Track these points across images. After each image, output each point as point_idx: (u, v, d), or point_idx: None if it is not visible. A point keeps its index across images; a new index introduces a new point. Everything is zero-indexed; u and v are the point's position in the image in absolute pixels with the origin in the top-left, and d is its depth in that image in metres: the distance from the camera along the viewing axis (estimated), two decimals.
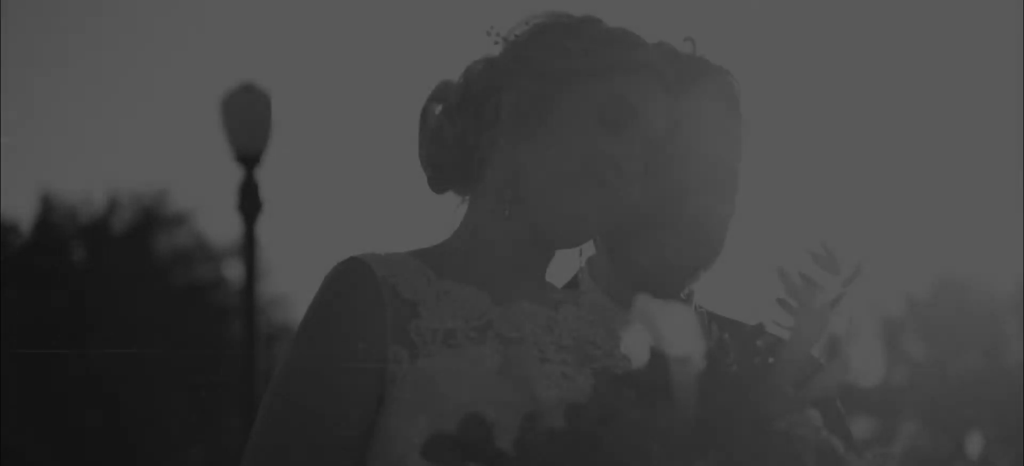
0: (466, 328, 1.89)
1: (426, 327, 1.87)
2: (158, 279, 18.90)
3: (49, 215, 19.10)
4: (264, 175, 7.67)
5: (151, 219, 19.28)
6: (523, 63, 1.97)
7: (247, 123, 7.55)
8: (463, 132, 2.00)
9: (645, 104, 1.96)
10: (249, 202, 7.78)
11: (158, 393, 17.57)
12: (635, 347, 1.62)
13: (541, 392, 1.85)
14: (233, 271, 20.01)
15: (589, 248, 2.11)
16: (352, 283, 1.89)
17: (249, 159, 7.78)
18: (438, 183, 2.06)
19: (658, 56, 2.00)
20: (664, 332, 1.50)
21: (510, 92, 1.97)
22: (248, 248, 7.55)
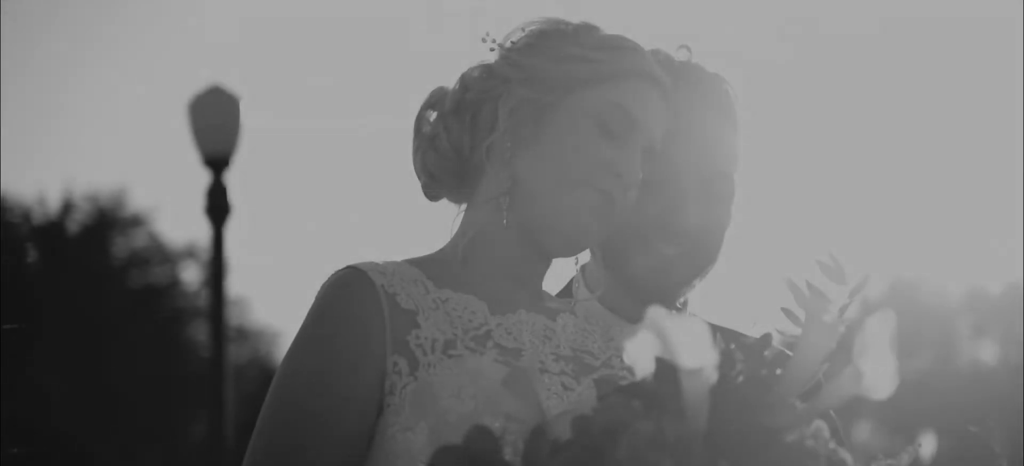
0: (465, 338, 1.87)
1: (426, 337, 1.86)
2: (114, 281, 18.72)
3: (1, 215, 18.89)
4: (232, 179, 7.66)
5: (107, 221, 19.09)
6: (521, 70, 1.96)
7: (215, 126, 7.51)
8: (459, 139, 1.99)
9: (643, 112, 1.95)
10: (217, 206, 7.72)
11: (117, 398, 17.41)
12: (639, 357, 1.61)
13: (541, 402, 1.84)
14: (189, 274, 19.89)
15: (584, 256, 2.11)
16: (351, 292, 1.87)
17: (217, 162, 7.73)
18: (433, 191, 2.04)
19: (655, 63, 2.00)
20: (676, 343, 1.49)
21: (508, 99, 1.95)
22: (216, 252, 7.48)
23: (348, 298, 1.87)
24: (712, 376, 1.49)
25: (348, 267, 1.91)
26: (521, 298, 1.97)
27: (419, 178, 2.05)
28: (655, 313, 1.51)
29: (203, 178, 7.48)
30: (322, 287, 1.91)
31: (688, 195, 2.08)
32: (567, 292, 2.19)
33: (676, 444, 1.52)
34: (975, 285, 25.73)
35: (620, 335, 2.05)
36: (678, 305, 2.17)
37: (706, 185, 2.09)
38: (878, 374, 1.50)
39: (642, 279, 2.10)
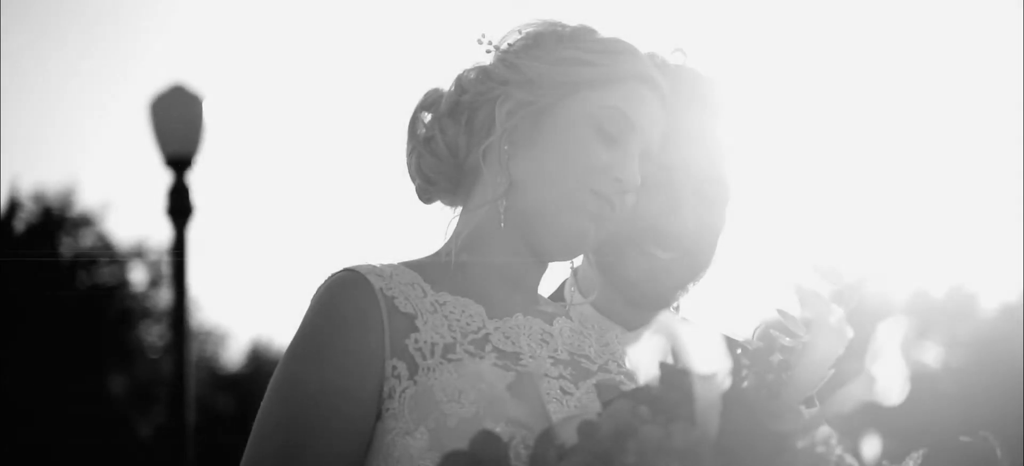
0: (464, 342, 1.86)
1: (425, 341, 1.84)
2: (61, 281, 18.53)
3: None
4: (196, 179, 7.60)
5: (54, 220, 18.90)
6: (518, 72, 1.95)
7: (178, 126, 7.43)
8: (455, 141, 1.97)
9: (641, 115, 1.94)
10: (180, 206, 7.63)
11: (66, 399, 17.24)
12: (642, 362, 1.61)
13: (546, 408, 1.83)
14: (137, 274, 19.73)
15: (578, 259, 2.10)
16: (349, 295, 1.86)
17: (179, 162, 7.65)
18: (427, 193, 2.03)
19: (652, 67, 1.99)
20: (688, 349, 1.48)
21: (505, 102, 1.94)
22: (178, 253, 7.40)
23: (346, 301, 1.85)
24: (724, 382, 1.48)
25: (345, 269, 1.89)
26: (517, 302, 1.96)
27: (413, 181, 2.03)
28: (664, 319, 1.50)
29: (155, 177, 7.45)
30: (318, 289, 1.89)
31: (683, 199, 2.07)
32: (559, 295, 2.18)
33: (685, 450, 1.51)
34: (919, 288, 26.02)
35: (616, 339, 2.04)
36: (672, 309, 2.17)
37: (701, 189, 2.09)
38: (890, 380, 1.50)
39: (636, 283, 2.09)
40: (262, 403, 1.85)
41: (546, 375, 1.89)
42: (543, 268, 2.01)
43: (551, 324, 1.96)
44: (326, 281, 1.89)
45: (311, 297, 1.90)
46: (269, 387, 1.85)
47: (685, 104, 2.06)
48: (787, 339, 1.68)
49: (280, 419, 1.82)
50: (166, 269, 19.42)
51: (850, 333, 1.56)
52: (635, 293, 2.10)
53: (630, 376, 1.97)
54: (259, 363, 24.51)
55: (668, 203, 2.07)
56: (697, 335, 1.47)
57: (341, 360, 1.82)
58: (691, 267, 2.12)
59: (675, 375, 1.58)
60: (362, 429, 1.82)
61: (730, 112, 2.13)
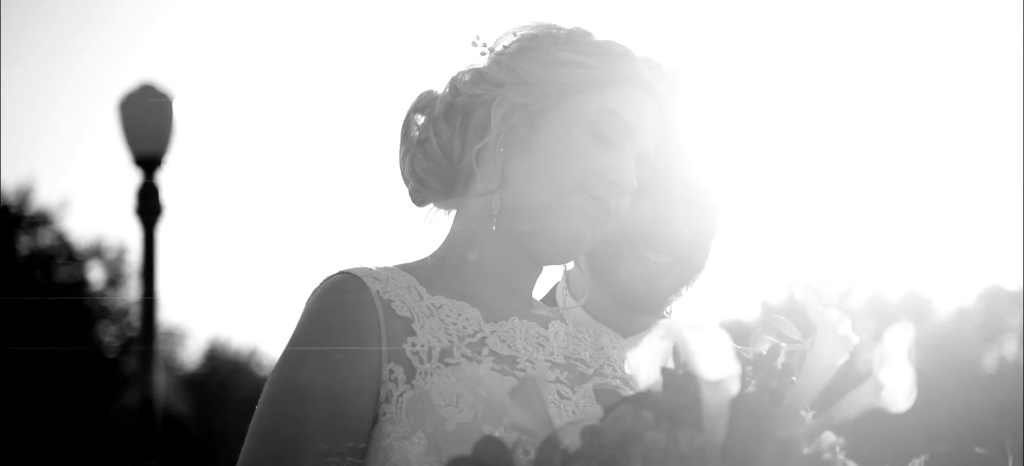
0: (461, 345, 1.85)
1: (422, 345, 1.83)
2: (18, 280, 18.37)
3: None
4: (165, 179, 7.52)
5: (11, 218, 18.72)
6: (514, 75, 1.93)
7: (147, 126, 7.35)
8: (449, 143, 1.96)
9: (638, 119, 1.93)
10: (149, 207, 7.55)
11: (22, 399, 17.09)
12: (642, 367, 1.60)
13: (550, 413, 1.82)
14: (95, 273, 19.57)
15: (571, 262, 2.09)
16: (345, 298, 1.84)
17: (149, 162, 7.56)
18: (420, 196, 2.02)
19: (649, 70, 1.99)
20: (696, 354, 1.48)
21: (500, 104, 1.93)
22: (148, 255, 7.32)
23: (342, 304, 1.84)
24: (734, 388, 1.48)
25: (341, 272, 1.88)
26: (513, 305, 1.95)
27: (406, 183, 2.02)
28: (670, 323, 1.50)
29: (122, 176, 7.39)
30: (314, 292, 1.87)
31: (678, 203, 2.07)
32: (551, 299, 2.18)
33: (691, 456, 1.51)
34: (876, 293, 26.22)
35: (610, 343, 2.04)
36: (665, 314, 2.16)
37: (696, 193, 2.08)
38: (897, 386, 1.50)
39: (630, 287, 2.08)
40: (258, 405, 1.83)
41: (544, 379, 1.88)
42: (537, 271, 2.00)
43: (546, 328, 1.96)
44: (322, 283, 1.87)
45: (306, 299, 1.88)
46: (265, 389, 1.84)
47: (681, 108, 2.06)
48: (783, 343, 1.69)
49: (276, 422, 1.80)
50: (126, 269, 19.31)
51: (855, 340, 1.56)
52: (628, 297, 2.09)
53: (626, 380, 1.96)
54: (216, 363, 24.38)
55: (663, 207, 2.06)
56: (705, 339, 1.47)
57: (338, 363, 1.81)
58: (685, 272, 2.11)
59: (679, 379, 1.58)
60: (359, 433, 1.80)
61: (725, 116, 2.13)
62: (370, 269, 1.88)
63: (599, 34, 2.00)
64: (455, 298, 1.90)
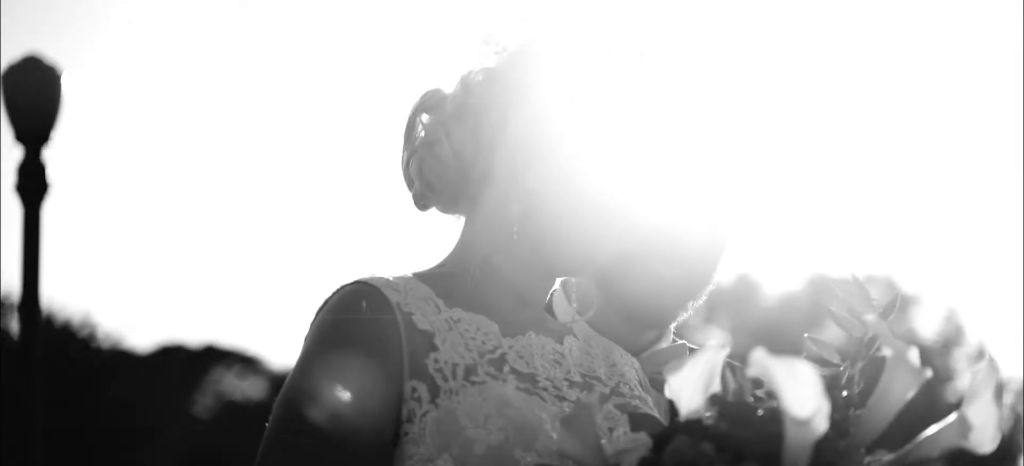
0: (483, 362, 1.75)
1: (445, 361, 1.72)
2: None
3: None
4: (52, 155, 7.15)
5: None
6: (533, 77, 1.84)
7: (33, 99, 7.01)
8: (462, 146, 1.85)
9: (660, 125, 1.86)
10: (33, 184, 7.22)
11: None
12: (685, 392, 1.52)
13: (602, 441, 1.72)
14: None
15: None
16: (366, 310, 1.73)
17: (34, 139, 7.23)
18: (425, 200, 1.91)
19: (665, 74, 1.92)
20: (783, 389, 1.40)
21: (518, 108, 1.83)
22: (31, 235, 6.96)
23: (361, 321, 1.72)
24: (822, 427, 1.40)
25: (359, 282, 1.76)
26: (528, 319, 1.85)
27: (411, 186, 1.91)
28: (761, 354, 1.41)
29: (15, 154, 7.00)
30: (331, 303, 1.75)
31: (690, 216, 2.02)
32: (549, 309, 2.09)
33: None
34: None
35: (621, 359, 1.95)
36: (670, 328, 2.11)
37: (708, 206, 2.04)
38: (985, 426, 1.44)
39: (639, 301, 2.03)
40: (270, 422, 1.72)
41: (563, 398, 1.79)
42: (551, 283, 1.91)
43: (561, 343, 1.86)
44: (337, 294, 1.76)
45: (319, 310, 1.77)
46: (277, 403, 1.72)
47: (694, 116, 2.00)
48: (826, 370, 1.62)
49: (293, 440, 1.69)
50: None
51: (928, 373, 1.50)
52: (636, 310, 2.04)
53: (643, 399, 1.89)
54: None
55: (675, 220, 2.00)
56: (793, 372, 1.39)
57: (358, 380, 1.70)
58: (694, 285, 2.07)
59: (740, 411, 1.51)
60: (380, 454, 1.69)
61: (740, 125, 2.07)
62: (388, 279, 1.77)
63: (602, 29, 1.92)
64: (473, 311, 1.80)
